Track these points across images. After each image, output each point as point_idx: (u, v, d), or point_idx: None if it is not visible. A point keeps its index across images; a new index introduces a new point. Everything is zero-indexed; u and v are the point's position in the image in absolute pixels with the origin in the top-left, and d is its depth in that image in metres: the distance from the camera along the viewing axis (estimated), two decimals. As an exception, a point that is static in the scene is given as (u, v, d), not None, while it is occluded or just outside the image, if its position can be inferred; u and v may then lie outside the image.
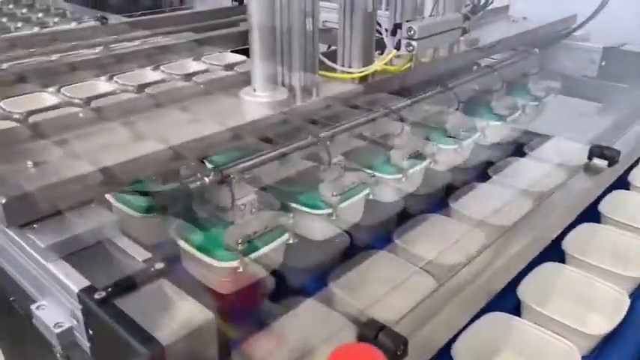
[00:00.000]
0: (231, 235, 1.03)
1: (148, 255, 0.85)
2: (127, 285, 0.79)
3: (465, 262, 1.01)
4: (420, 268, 1.14)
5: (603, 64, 2.05)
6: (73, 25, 2.12)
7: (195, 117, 1.15)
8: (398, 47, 1.39)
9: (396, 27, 1.38)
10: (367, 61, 1.44)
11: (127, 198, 1.15)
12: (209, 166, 1.10)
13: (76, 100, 1.29)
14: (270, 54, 1.22)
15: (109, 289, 0.77)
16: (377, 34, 1.50)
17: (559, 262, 1.14)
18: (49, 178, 0.92)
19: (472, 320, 0.95)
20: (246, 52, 1.82)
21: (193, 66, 1.56)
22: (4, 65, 1.49)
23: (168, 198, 1.09)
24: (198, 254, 1.05)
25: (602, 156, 1.35)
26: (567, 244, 1.18)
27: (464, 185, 1.54)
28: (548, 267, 1.12)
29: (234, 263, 1.02)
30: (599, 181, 1.31)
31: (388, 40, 1.42)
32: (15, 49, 1.58)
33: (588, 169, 1.35)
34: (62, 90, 1.33)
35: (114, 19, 2.12)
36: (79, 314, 0.79)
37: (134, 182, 1.08)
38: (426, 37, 1.37)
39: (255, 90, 1.24)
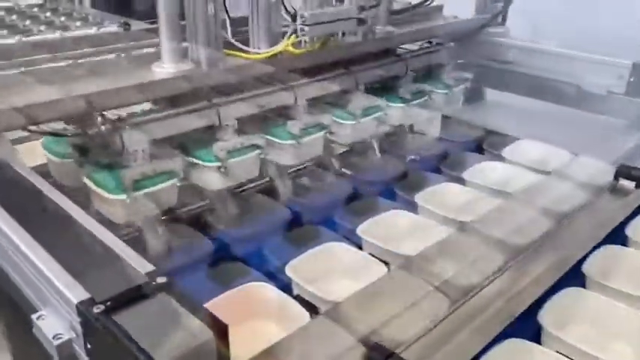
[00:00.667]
0: (124, 175, 1.27)
1: (152, 268, 0.83)
2: (128, 299, 0.76)
3: (481, 283, 0.98)
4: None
5: (632, 79, 1.98)
6: (94, 30, 2.09)
7: (107, 80, 1.39)
8: (296, 32, 1.62)
9: (295, 14, 1.62)
10: (273, 44, 1.67)
11: (50, 145, 1.41)
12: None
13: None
14: (175, 31, 1.46)
15: (109, 303, 0.75)
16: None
17: (579, 286, 1.08)
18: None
19: (488, 347, 0.89)
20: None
21: None
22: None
23: (76, 145, 1.34)
24: (97, 189, 1.30)
25: (629, 177, 1.31)
26: (588, 267, 1.11)
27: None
28: (571, 292, 1.05)
29: (122, 196, 1.27)
30: (626, 202, 1.26)
31: (291, 26, 1.66)
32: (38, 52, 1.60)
33: (614, 190, 1.30)
34: None
35: (137, 25, 2.15)
36: (78, 327, 0.78)
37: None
38: (317, 24, 1.61)
39: (163, 63, 1.49)
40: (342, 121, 1.76)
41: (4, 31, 2.36)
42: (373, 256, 1.37)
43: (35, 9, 2.77)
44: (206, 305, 0.87)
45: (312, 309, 1.18)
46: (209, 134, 1.50)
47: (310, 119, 1.65)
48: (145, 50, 1.70)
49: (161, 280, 0.80)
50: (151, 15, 2.89)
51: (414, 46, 2.17)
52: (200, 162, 1.45)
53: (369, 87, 1.94)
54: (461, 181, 1.76)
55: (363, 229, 1.46)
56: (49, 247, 0.87)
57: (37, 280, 0.85)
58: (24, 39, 2.05)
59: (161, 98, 1.46)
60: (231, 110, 1.50)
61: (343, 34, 1.91)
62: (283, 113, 1.65)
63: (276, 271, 1.41)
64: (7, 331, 1.19)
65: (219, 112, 1.47)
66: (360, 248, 1.44)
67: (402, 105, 1.94)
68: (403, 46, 2.13)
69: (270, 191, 1.72)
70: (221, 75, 1.53)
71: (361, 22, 1.74)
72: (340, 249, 1.41)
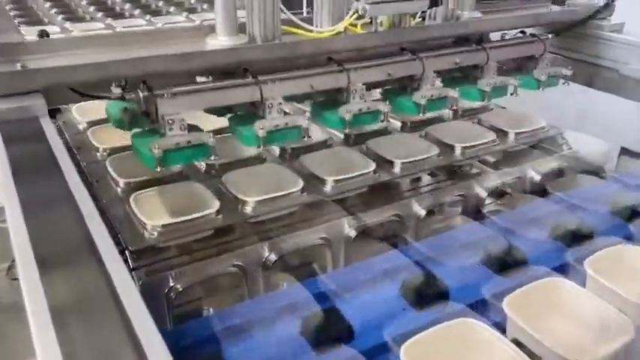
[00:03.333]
0: (155, 144, 1.28)
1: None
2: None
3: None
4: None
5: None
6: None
7: (157, 48, 1.41)
8: (358, 11, 1.54)
9: (360, -8, 1.53)
10: (337, 23, 1.60)
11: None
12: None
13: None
14: (231, 4, 1.44)
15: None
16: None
17: None
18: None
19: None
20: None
21: None
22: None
23: (117, 110, 1.37)
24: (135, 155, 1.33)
25: None
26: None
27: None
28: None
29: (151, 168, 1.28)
30: None
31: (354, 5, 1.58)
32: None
33: None
34: None
35: None
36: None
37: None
38: (382, 3, 1.51)
39: (217, 35, 1.47)
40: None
41: (137, 11, 2.56)
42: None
43: None
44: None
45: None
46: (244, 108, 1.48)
47: (364, 106, 1.57)
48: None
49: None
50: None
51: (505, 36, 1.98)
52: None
53: (443, 77, 1.81)
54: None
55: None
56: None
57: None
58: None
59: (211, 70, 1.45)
60: (276, 89, 1.46)
61: (423, 17, 1.80)
62: (335, 97, 1.58)
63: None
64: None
65: (262, 89, 1.43)
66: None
67: (478, 100, 1.79)
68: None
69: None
70: (274, 51, 1.49)
71: (434, 3, 1.61)
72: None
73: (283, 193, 1.47)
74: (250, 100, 1.42)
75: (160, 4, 2.72)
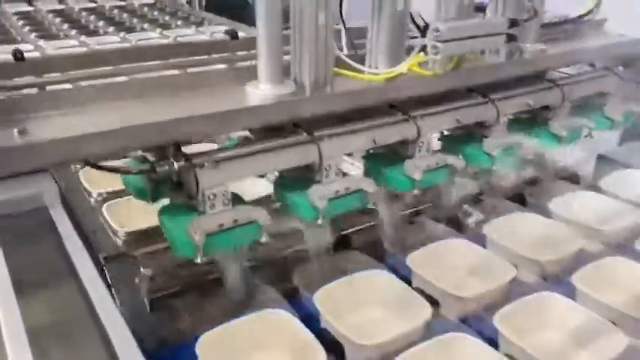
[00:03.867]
0: (194, 226, 1.00)
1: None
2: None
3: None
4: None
5: None
6: (196, 33, 2.18)
7: (187, 101, 1.14)
8: (425, 50, 1.28)
9: (426, 27, 1.28)
10: (395, 63, 1.34)
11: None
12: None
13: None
14: (277, 46, 1.18)
15: None
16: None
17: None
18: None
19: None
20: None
21: None
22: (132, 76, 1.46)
23: (145, 181, 1.09)
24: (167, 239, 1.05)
25: None
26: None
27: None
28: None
29: (191, 257, 1.00)
30: None
31: (419, 41, 1.32)
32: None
33: None
34: None
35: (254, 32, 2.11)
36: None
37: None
38: (455, 40, 1.25)
39: (259, 83, 1.21)
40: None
41: (110, 28, 2.42)
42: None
43: (145, 9, 2.84)
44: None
45: None
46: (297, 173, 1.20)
47: (432, 161, 1.31)
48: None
49: None
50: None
51: (569, 70, 1.74)
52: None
53: (512, 120, 1.56)
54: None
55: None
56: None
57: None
58: (125, 44, 1.98)
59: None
60: (334, 146, 1.19)
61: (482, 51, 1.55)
62: (400, 151, 1.31)
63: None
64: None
65: (321, 148, 1.16)
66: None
67: (554, 146, 1.54)
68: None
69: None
70: (331, 102, 1.23)
71: (510, 38, 1.36)
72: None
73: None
74: (307, 162, 1.15)
75: (135, 20, 2.68)
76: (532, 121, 1.60)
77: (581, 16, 1.83)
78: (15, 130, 0.94)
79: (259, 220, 1.05)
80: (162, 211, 1.09)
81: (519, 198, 1.76)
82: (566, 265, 1.28)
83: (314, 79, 1.23)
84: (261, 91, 1.20)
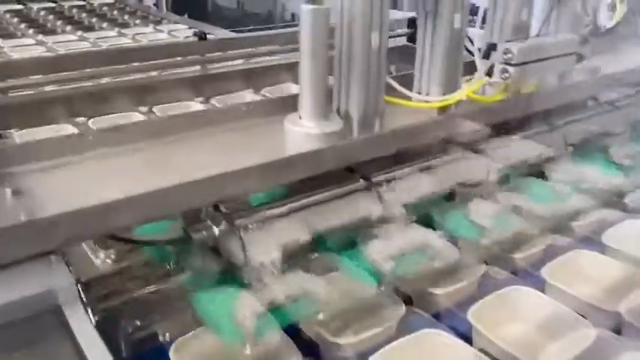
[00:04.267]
0: (241, 307, 0.79)
1: None
2: None
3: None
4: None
5: None
6: (171, 39, 2.12)
7: (221, 148, 0.93)
8: (490, 73, 1.10)
9: (490, 48, 1.09)
10: (450, 87, 1.16)
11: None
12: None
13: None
14: (322, 73, 0.98)
15: None
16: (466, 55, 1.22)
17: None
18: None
19: None
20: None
21: (295, 89, 1.36)
22: (98, 81, 1.42)
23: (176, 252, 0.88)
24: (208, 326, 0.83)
25: None
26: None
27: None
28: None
29: (241, 346, 0.79)
30: None
31: (479, 64, 1.14)
32: (109, 62, 1.47)
33: None
34: (154, 109, 1.28)
35: (221, 34, 2.05)
36: None
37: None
38: (528, 63, 1.07)
39: (301, 117, 1.01)
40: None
41: (68, 27, 2.47)
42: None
43: (104, 7, 2.93)
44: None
45: None
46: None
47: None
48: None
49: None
50: (235, 23, 2.85)
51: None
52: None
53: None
54: None
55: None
56: None
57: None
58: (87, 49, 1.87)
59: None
60: (398, 192, 0.99)
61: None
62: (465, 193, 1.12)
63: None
64: None
65: (383, 197, 0.96)
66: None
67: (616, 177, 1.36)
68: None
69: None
70: (385, 138, 1.03)
71: (580, 58, 1.19)
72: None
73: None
74: (370, 215, 0.94)
75: (93, 20, 2.66)
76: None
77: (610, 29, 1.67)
78: (8, 191, 0.72)
79: (318, 292, 0.85)
80: (194, 285, 0.87)
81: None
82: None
83: (363, 113, 1.04)
84: (305, 130, 0.99)
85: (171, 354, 0.78)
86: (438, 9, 1.10)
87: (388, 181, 0.99)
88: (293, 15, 3.58)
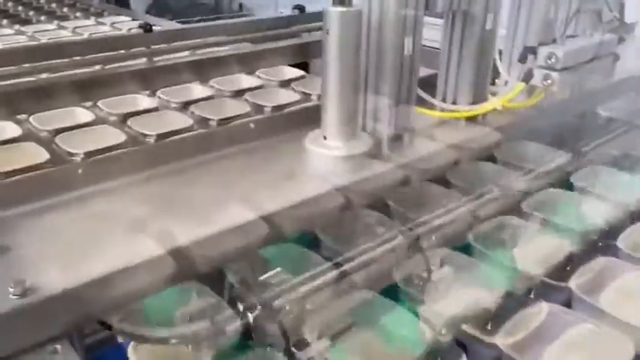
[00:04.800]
0: None
1: None
2: None
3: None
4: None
5: None
6: (115, 31, 1.96)
7: (230, 192, 0.74)
8: (527, 79, 0.95)
9: (528, 51, 0.95)
10: (479, 95, 1.01)
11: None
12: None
13: (112, 118, 1.14)
14: (351, 86, 0.80)
15: None
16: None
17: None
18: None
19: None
20: (305, 66, 1.50)
21: (246, 81, 1.35)
22: (39, 76, 1.31)
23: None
24: None
25: None
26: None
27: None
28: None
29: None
30: None
31: (503, 67, 1.00)
32: (50, 57, 1.37)
33: None
34: (99, 104, 1.18)
35: (167, 25, 1.94)
36: None
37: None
38: (572, 67, 0.93)
39: (325, 138, 0.83)
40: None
41: (4, 21, 2.25)
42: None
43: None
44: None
45: None
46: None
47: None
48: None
49: None
50: (182, 14, 2.59)
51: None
52: None
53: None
54: None
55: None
56: None
57: None
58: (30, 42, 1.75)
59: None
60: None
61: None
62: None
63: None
64: None
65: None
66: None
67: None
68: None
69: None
70: (423, 161, 0.87)
71: (616, 58, 1.07)
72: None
73: None
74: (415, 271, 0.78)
75: (30, 13, 2.49)
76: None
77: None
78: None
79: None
80: None
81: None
82: None
83: (394, 131, 0.87)
84: (332, 152, 0.82)
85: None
86: (470, 9, 0.94)
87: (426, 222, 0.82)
88: (241, 5, 3.42)
